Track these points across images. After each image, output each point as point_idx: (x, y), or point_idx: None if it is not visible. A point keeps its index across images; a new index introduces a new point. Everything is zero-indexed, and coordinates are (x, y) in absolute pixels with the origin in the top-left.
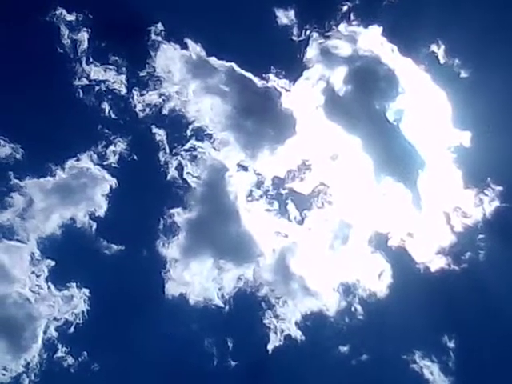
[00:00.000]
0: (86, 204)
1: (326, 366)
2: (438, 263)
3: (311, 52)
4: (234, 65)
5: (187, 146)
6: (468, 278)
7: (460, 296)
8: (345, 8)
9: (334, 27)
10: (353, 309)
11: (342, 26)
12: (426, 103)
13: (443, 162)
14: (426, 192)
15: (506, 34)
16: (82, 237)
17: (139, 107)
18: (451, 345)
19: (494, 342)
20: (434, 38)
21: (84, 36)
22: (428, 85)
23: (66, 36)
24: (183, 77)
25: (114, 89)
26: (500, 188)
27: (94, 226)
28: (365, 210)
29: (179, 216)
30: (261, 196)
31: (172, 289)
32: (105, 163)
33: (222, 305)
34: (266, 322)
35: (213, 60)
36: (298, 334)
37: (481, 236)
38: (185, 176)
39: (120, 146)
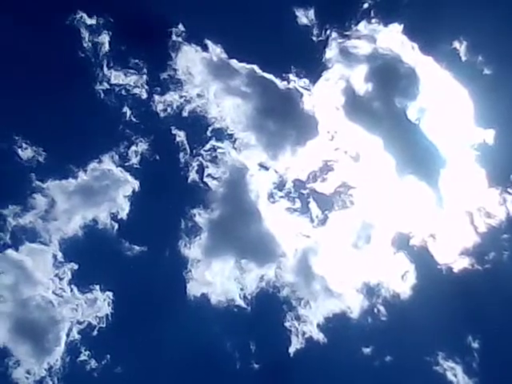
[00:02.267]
0: (108, 205)
1: (349, 368)
2: (461, 263)
3: (331, 52)
4: (255, 67)
5: (208, 147)
6: (492, 278)
7: (484, 296)
8: (365, 6)
9: (353, 26)
10: (376, 310)
11: (362, 25)
12: (448, 101)
13: (466, 161)
14: (449, 191)
15: None
16: (104, 238)
17: (160, 109)
18: (475, 345)
19: None
20: (455, 35)
21: (105, 39)
22: (450, 83)
23: (86, 39)
24: (204, 79)
25: (135, 93)
26: None
27: (116, 227)
28: (387, 210)
29: (201, 216)
30: (282, 196)
31: (194, 289)
32: (126, 164)
33: (244, 305)
34: (288, 323)
35: (234, 62)
36: (320, 337)
37: (505, 236)
38: (206, 176)
39: (141, 147)
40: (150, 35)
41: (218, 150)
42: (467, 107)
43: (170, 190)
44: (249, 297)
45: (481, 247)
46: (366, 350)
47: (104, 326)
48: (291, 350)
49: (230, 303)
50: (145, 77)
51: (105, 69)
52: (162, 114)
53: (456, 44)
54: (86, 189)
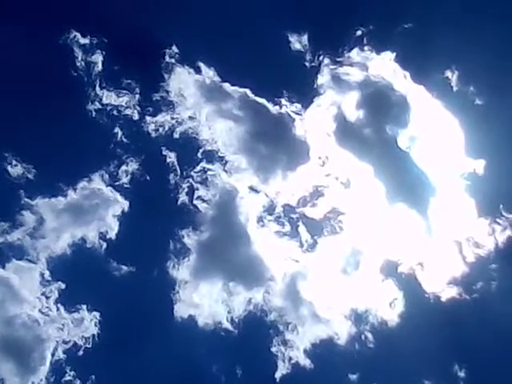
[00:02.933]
0: (97, 224)
1: None
2: (449, 292)
3: (323, 78)
4: (247, 90)
5: (199, 169)
6: (479, 308)
7: (471, 326)
8: (358, 33)
9: (346, 53)
10: (363, 337)
11: (355, 52)
12: (439, 130)
13: (456, 190)
14: (438, 220)
15: None
16: (92, 258)
17: (151, 130)
18: (461, 374)
19: (505, 372)
20: (447, 64)
21: (98, 59)
22: (441, 112)
23: (79, 59)
24: (196, 101)
25: (127, 113)
26: None
27: (105, 246)
28: (376, 237)
29: (190, 238)
30: (272, 220)
31: (181, 310)
32: (116, 184)
33: (232, 328)
34: (274, 348)
35: (226, 86)
36: (306, 362)
37: (493, 266)
38: (196, 198)
39: (132, 166)
40: (143, 56)
41: (209, 172)
42: (458, 137)
43: (160, 211)
44: (236, 320)
45: (469, 277)
46: (353, 377)
47: (90, 346)
48: (277, 375)
49: (217, 326)
50: (137, 97)
51: (97, 88)
52: (153, 135)
53: (448, 73)
54: (75, 207)
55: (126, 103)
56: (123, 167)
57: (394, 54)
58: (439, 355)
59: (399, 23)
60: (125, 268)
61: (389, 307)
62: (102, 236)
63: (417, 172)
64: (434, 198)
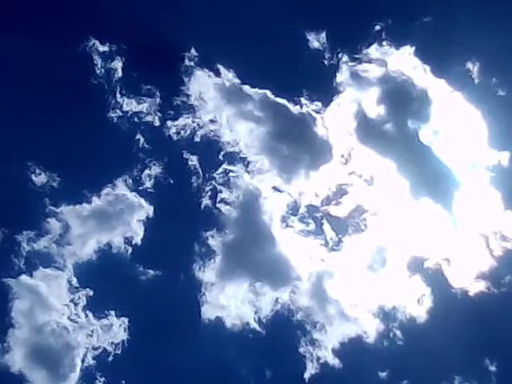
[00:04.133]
0: (122, 230)
1: None
2: (477, 287)
3: (342, 75)
4: (267, 92)
5: (221, 171)
6: (508, 302)
7: (500, 319)
8: (376, 29)
9: (365, 49)
10: (391, 334)
11: (374, 48)
12: (462, 123)
13: (480, 183)
14: (464, 214)
15: None
16: (118, 263)
17: (173, 134)
18: (492, 368)
19: None
20: (468, 56)
21: (117, 66)
22: (463, 105)
23: (99, 66)
24: (217, 104)
25: (148, 119)
26: None
27: (130, 251)
28: (402, 233)
29: (214, 240)
30: (296, 220)
31: (208, 312)
32: (140, 188)
33: (259, 328)
34: (302, 348)
35: (246, 88)
36: (335, 362)
37: None
38: (219, 200)
39: (154, 170)
40: (162, 61)
41: (231, 174)
42: (481, 129)
43: (184, 214)
44: (264, 320)
45: (497, 270)
46: (382, 375)
47: (119, 351)
48: (306, 375)
49: (244, 326)
50: (157, 102)
51: (117, 95)
52: (174, 139)
53: (469, 65)
54: (100, 213)
55: (146, 109)
56: (146, 171)
57: (414, 48)
58: (469, 350)
59: (418, 17)
60: (151, 272)
61: (417, 303)
62: (128, 241)
63: (440, 166)
64: (458, 192)
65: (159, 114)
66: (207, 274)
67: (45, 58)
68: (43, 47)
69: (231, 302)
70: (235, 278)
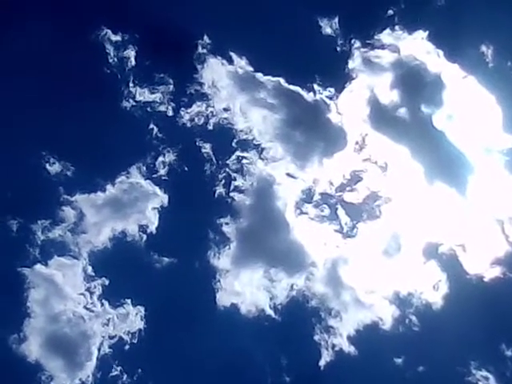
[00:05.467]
0: (137, 218)
1: (381, 380)
2: (492, 272)
3: (355, 62)
4: (280, 79)
5: (234, 158)
6: None
7: None
8: (389, 14)
9: (377, 34)
10: (407, 320)
11: (386, 33)
12: (475, 108)
13: (496, 168)
14: (479, 199)
15: None
16: (133, 251)
17: (186, 122)
18: (509, 353)
19: None
20: (482, 39)
21: (130, 55)
22: (477, 89)
23: (111, 55)
24: (230, 92)
25: (161, 108)
26: None
27: (145, 239)
28: (417, 219)
29: (229, 227)
30: (311, 206)
31: (224, 299)
32: (154, 176)
33: (275, 315)
34: (317, 335)
35: (259, 75)
36: (351, 349)
37: None
38: (233, 187)
39: (168, 158)
40: (175, 48)
41: (245, 161)
42: (495, 113)
43: (198, 201)
44: (279, 307)
45: None
46: (398, 361)
47: (135, 340)
48: (321, 362)
49: (260, 313)
50: (171, 91)
51: (130, 85)
52: (188, 127)
53: (483, 48)
54: (115, 202)
55: (159, 99)
56: (160, 159)
57: (427, 32)
58: (485, 335)
59: (431, 0)
60: (166, 260)
61: (432, 289)
62: (143, 229)
63: (454, 151)
64: (473, 177)
65: (172, 103)
66: (222, 260)
67: (58, 47)
68: (56, 37)
69: (246, 288)
70: (250, 264)
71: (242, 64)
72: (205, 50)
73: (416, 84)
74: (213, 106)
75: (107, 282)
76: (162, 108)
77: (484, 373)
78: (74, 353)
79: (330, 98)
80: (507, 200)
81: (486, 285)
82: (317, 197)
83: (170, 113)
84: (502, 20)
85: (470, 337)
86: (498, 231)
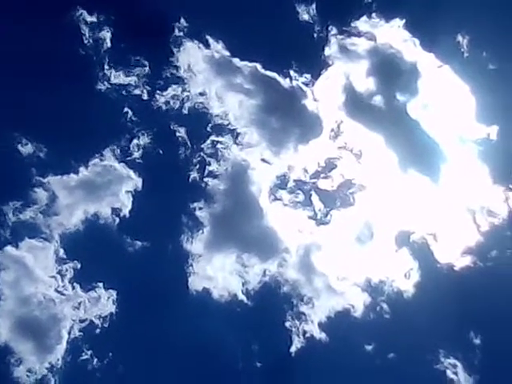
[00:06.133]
0: (110, 201)
1: (351, 366)
2: (463, 261)
3: (332, 48)
4: (257, 65)
5: (210, 142)
6: (494, 276)
7: (486, 294)
8: (366, 1)
9: (354, 21)
10: (379, 308)
11: (363, 20)
12: (450, 97)
13: (469, 158)
14: (451, 188)
15: None
16: (106, 234)
17: (161, 105)
18: (477, 341)
19: None
20: (458, 29)
21: (106, 36)
22: (452, 78)
23: (87, 37)
24: (206, 76)
25: (137, 91)
26: None
27: (118, 222)
28: (390, 207)
29: (202, 211)
30: (285, 192)
31: (196, 284)
32: (128, 159)
33: (247, 300)
34: (289, 322)
35: (236, 61)
36: (322, 336)
37: (508, 233)
38: (208, 172)
39: (143, 140)
40: (151, 31)
41: (220, 146)
42: (470, 103)
43: (172, 185)
44: (251, 292)
45: (483, 245)
46: (369, 348)
47: (106, 324)
48: (292, 349)
49: (232, 298)
50: (146, 73)
51: (106, 67)
52: (162, 111)
53: (459, 38)
54: (88, 184)
55: (134, 82)
56: (134, 141)
57: (404, 20)
58: (455, 324)
59: None
60: (139, 243)
61: (404, 277)
62: (116, 212)
63: (428, 140)
64: (446, 166)
65: (148, 86)
66: (195, 245)
67: (32, 28)
68: (30, 17)
69: (219, 273)
70: (223, 249)
71: (218, 48)
72: (181, 33)
73: (391, 72)
74: (188, 91)
75: (79, 265)
76: (137, 91)
77: (452, 360)
78: (44, 336)
79: (306, 85)
80: (479, 190)
81: (457, 274)
82: (291, 183)
83: (145, 96)
84: (479, 11)
85: (440, 325)
86: (470, 221)
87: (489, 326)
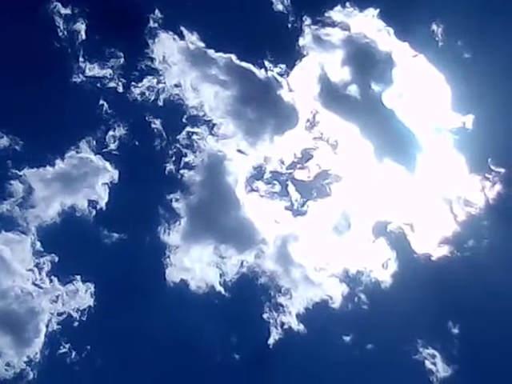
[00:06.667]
0: (87, 193)
1: (329, 357)
2: (440, 251)
3: (306, 39)
4: (232, 56)
5: (185, 133)
6: (471, 266)
7: (464, 284)
8: None
9: (328, 11)
10: (356, 298)
11: (337, 10)
12: (425, 87)
13: (444, 147)
14: (428, 178)
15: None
16: (83, 226)
17: (136, 97)
18: (455, 331)
19: (497, 327)
20: (433, 18)
21: (80, 28)
22: (427, 68)
23: (61, 29)
24: (181, 68)
25: (112, 83)
26: (502, 170)
27: (95, 214)
28: (367, 198)
29: (179, 202)
30: (261, 183)
31: (173, 275)
32: (104, 151)
33: (224, 292)
34: (267, 313)
35: (211, 52)
36: (300, 327)
37: (484, 223)
38: (184, 163)
39: (118, 132)
40: (126, 22)
41: (195, 137)
42: (445, 92)
43: (148, 177)
44: (229, 283)
45: (460, 235)
46: (347, 339)
47: (84, 317)
48: (270, 341)
49: (209, 289)
50: (121, 65)
51: (80, 59)
52: (138, 102)
53: (434, 27)
54: (64, 176)
55: (109, 75)
56: (110, 133)
57: (378, 10)
58: (433, 314)
59: None
60: (116, 235)
61: (381, 268)
62: (92, 204)
63: (404, 130)
64: (422, 156)
65: (123, 79)
66: (172, 236)
67: (5, 20)
68: (4, 10)
69: (196, 264)
70: (200, 240)
71: (193, 39)
72: (156, 25)
73: (366, 62)
74: (164, 82)
75: (56, 258)
76: (112, 84)
77: (431, 351)
78: (21, 329)
79: (281, 76)
80: (456, 179)
81: (434, 264)
82: (267, 174)
83: (121, 89)
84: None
85: (418, 315)
86: (447, 210)
87: (467, 315)
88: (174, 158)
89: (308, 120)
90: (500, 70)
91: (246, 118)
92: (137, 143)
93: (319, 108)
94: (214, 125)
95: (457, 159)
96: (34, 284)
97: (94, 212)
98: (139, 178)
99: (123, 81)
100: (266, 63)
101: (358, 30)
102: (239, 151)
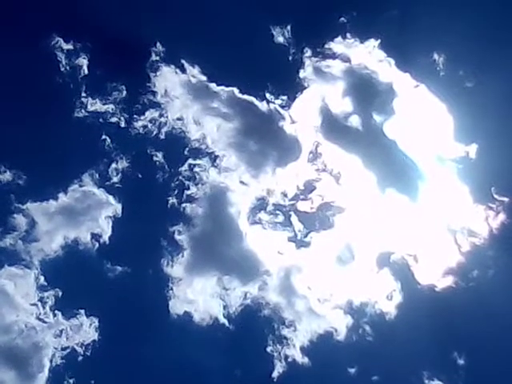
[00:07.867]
0: (90, 226)
1: None
2: (445, 282)
3: (307, 70)
4: (234, 89)
5: (187, 165)
6: (476, 296)
7: (469, 314)
8: (341, 21)
9: (329, 42)
10: (361, 330)
11: (338, 41)
12: (427, 117)
13: (448, 177)
14: (431, 209)
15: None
16: (86, 260)
17: (139, 129)
18: (461, 362)
19: (504, 358)
20: (434, 48)
21: (83, 63)
22: (428, 97)
23: (63, 64)
24: (183, 101)
25: (114, 118)
26: (506, 199)
27: (98, 248)
28: (370, 229)
29: (182, 235)
30: (264, 215)
31: (177, 307)
32: (107, 183)
33: (228, 323)
34: (271, 346)
35: (213, 86)
36: (304, 360)
37: (489, 253)
38: (187, 195)
39: (121, 165)
40: (128, 56)
41: (197, 169)
42: (448, 122)
43: (151, 210)
44: (232, 315)
45: (465, 265)
46: (352, 371)
47: (89, 352)
48: (274, 374)
49: (213, 321)
50: (123, 99)
51: (83, 94)
52: (140, 136)
53: (435, 57)
54: (67, 210)
55: (112, 110)
56: (113, 165)
57: (379, 40)
58: (438, 345)
59: (383, 9)
60: (119, 269)
61: (386, 299)
62: (96, 238)
63: (406, 160)
64: (425, 186)
65: (125, 113)
66: (175, 269)
67: (9, 55)
68: (7, 45)
69: (199, 296)
70: (203, 272)
71: (194, 73)
72: (158, 58)
73: (367, 93)
74: (166, 116)
75: (60, 292)
76: (115, 119)
77: (436, 382)
78: (25, 364)
79: (283, 108)
80: (460, 209)
81: (439, 294)
82: (270, 206)
83: (123, 123)
84: (454, 29)
85: (423, 346)
86: (451, 241)
87: (472, 346)
88: (176, 191)
89: (310, 151)
90: (502, 98)
91: (248, 150)
92: (139, 176)
93: (321, 139)
94: (216, 157)
95: (460, 189)
96: (38, 318)
97: (97, 245)
98: (142, 211)
99: (125, 115)
100: (268, 95)
101: (358, 61)
102: (242, 183)
